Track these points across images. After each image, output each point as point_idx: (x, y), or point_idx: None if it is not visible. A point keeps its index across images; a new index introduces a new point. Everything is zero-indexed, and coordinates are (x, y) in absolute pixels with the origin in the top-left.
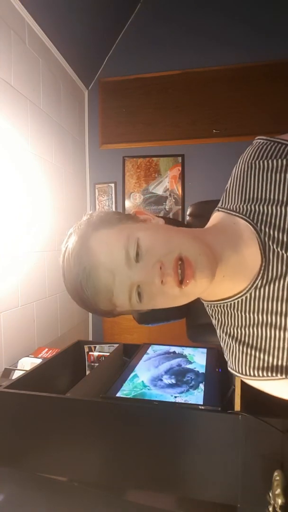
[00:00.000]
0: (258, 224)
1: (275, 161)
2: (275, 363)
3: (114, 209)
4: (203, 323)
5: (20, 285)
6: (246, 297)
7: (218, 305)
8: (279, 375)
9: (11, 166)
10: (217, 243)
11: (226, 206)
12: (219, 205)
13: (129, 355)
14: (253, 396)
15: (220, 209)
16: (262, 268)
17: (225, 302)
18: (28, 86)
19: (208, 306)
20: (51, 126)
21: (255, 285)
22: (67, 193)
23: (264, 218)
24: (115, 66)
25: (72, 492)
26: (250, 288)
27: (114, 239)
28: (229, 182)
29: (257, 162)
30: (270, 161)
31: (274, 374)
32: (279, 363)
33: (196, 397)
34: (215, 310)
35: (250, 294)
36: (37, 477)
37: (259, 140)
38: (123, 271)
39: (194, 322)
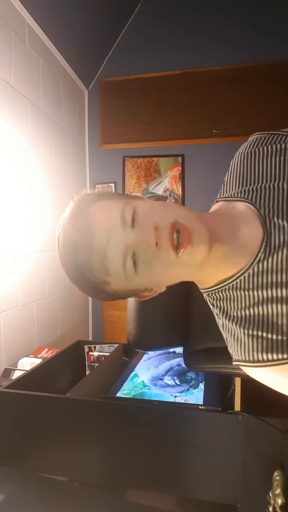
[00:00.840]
0: (257, 202)
1: (269, 146)
2: (282, 339)
3: None
4: (201, 349)
5: (20, 285)
6: (249, 274)
7: (220, 289)
8: (285, 355)
9: (11, 166)
10: (216, 225)
11: (224, 196)
12: (218, 196)
13: (129, 355)
14: (253, 396)
15: (218, 200)
16: (264, 241)
17: (228, 283)
18: (28, 86)
19: (208, 294)
20: (51, 126)
21: (257, 259)
22: (67, 193)
23: (263, 195)
24: (115, 66)
25: (72, 492)
26: (252, 263)
27: (113, 205)
28: (226, 174)
29: (253, 149)
30: (265, 147)
31: (281, 356)
32: (286, 338)
33: (196, 396)
34: (216, 297)
35: (253, 269)
36: (37, 477)
37: (254, 136)
38: (117, 233)
39: (192, 348)
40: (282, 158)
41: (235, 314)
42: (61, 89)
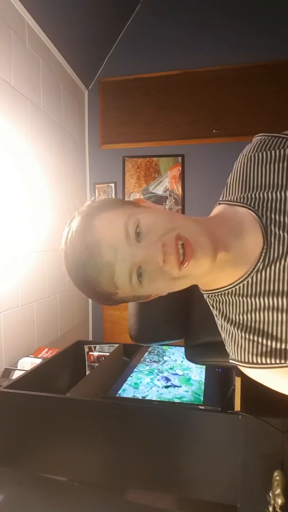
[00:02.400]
0: (259, 210)
1: (273, 151)
2: (279, 347)
3: None
4: (202, 342)
5: (20, 285)
6: (248, 282)
7: (220, 293)
8: (282, 360)
9: (11, 166)
10: (218, 231)
11: (226, 199)
12: (220, 198)
13: (129, 355)
14: (253, 396)
15: (221, 202)
16: (264, 251)
17: (227, 289)
18: (28, 86)
19: (208, 296)
20: (51, 126)
21: (256, 268)
22: (67, 193)
23: (265, 204)
24: (115, 66)
25: (72, 492)
26: (251, 272)
27: (116, 218)
28: (229, 176)
29: (256, 154)
30: (269, 152)
31: (278, 360)
32: (283, 346)
33: (196, 396)
34: (216, 299)
35: (252, 278)
36: (37, 477)
37: (258, 137)
38: (124, 250)
39: (193, 342)
40: (286, 165)
41: (233, 317)
42: (61, 89)
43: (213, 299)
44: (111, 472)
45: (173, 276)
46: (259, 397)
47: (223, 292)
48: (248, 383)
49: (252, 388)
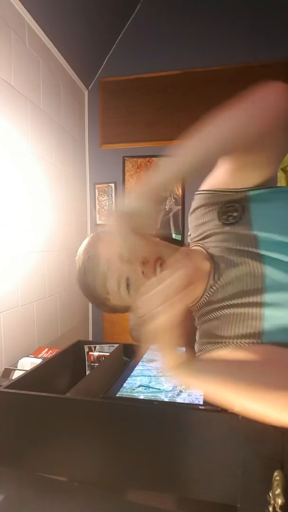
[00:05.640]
0: (205, 245)
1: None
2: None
3: None
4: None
5: (20, 285)
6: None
7: (198, 304)
8: (252, 339)
9: (11, 166)
10: (196, 257)
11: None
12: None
13: (129, 355)
14: None
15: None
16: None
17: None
18: (28, 86)
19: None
20: (51, 126)
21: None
22: (67, 193)
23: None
24: (115, 66)
25: (72, 492)
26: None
27: (113, 244)
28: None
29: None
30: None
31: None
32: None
33: (196, 396)
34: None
35: (211, 288)
36: (37, 477)
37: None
38: (115, 263)
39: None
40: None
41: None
42: (61, 89)
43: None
44: (111, 472)
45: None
46: None
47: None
48: None
49: None
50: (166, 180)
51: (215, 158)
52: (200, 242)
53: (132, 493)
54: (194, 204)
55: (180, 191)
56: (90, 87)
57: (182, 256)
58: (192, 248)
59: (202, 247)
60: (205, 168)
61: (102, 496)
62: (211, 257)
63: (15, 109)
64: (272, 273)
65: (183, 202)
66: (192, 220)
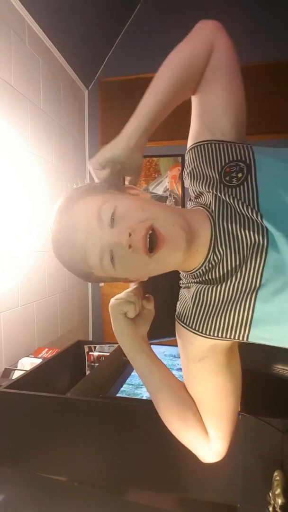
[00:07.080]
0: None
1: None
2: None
3: None
4: None
5: (20, 285)
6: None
7: (193, 274)
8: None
9: (11, 166)
10: (195, 221)
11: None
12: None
13: None
14: (253, 396)
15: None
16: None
17: (195, 271)
18: (28, 86)
19: (184, 276)
20: (51, 126)
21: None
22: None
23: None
24: (115, 66)
25: (72, 492)
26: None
27: (93, 203)
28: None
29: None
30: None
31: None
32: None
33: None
34: (191, 279)
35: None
36: (37, 477)
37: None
38: (94, 233)
39: None
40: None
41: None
42: (61, 89)
43: (188, 279)
44: (111, 472)
45: (144, 262)
46: (259, 397)
47: (196, 273)
48: (248, 382)
49: (252, 388)
50: (142, 125)
51: (180, 93)
52: (202, 204)
53: (132, 493)
54: (190, 161)
55: (180, 191)
56: (90, 87)
57: (178, 220)
58: (193, 208)
59: (204, 208)
60: (174, 104)
61: (102, 496)
62: (212, 223)
63: (15, 109)
64: (275, 248)
65: (183, 202)
66: (189, 181)
